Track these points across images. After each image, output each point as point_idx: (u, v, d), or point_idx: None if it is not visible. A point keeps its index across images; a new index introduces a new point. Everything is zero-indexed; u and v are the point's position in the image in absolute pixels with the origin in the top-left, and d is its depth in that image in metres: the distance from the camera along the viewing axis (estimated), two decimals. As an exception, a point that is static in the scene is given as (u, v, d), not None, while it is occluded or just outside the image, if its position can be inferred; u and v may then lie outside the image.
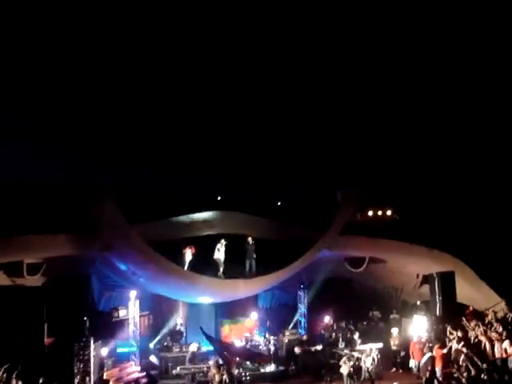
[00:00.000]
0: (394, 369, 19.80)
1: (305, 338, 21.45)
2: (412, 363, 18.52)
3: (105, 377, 17.31)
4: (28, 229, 16.28)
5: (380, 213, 25.21)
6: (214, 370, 16.11)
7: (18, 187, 18.92)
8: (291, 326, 22.46)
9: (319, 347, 20.66)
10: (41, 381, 14.02)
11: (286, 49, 31.38)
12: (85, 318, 16.63)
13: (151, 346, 20.20)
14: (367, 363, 17.73)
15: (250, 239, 20.36)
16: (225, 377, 15.74)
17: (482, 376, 14.36)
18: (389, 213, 25.35)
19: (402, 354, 19.89)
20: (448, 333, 18.03)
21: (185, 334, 20.98)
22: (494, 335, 17.25)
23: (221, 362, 16.67)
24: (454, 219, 23.22)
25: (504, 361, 16.46)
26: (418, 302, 22.02)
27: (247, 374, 18.47)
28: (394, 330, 20.56)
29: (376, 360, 18.48)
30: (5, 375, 13.45)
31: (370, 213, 24.97)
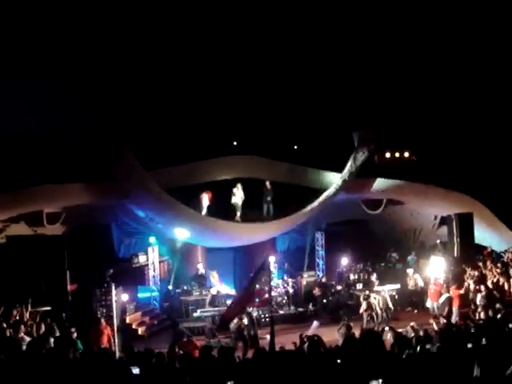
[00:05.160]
0: (410, 308, 20.09)
1: (324, 279, 21.68)
2: (429, 304, 18.69)
3: (127, 321, 17.83)
4: (47, 179, 16.46)
5: (397, 154, 24.99)
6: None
7: (37, 138, 19.02)
8: (306, 268, 22.56)
9: (339, 287, 20.93)
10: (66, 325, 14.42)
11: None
12: (109, 269, 16.97)
13: (170, 287, 20.54)
14: (384, 304, 17.93)
15: (267, 183, 20.36)
16: (244, 320, 15.99)
17: (498, 315, 14.50)
18: (406, 154, 25.11)
19: (418, 294, 20.17)
20: (467, 274, 18.11)
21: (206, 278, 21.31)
22: (512, 274, 17.36)
23: None
24: (472, 160, 22.93)
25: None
26: (438, 241, 21.98)
27: (266, 315, 18.84)
28: (410, 271, 20.71)
29: (393, 301, 18.73)
30: (31, 321, 13.84)
31: (388, 155, 24.75)
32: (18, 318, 13.43)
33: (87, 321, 14.91)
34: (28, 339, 11.08)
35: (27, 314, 13.79)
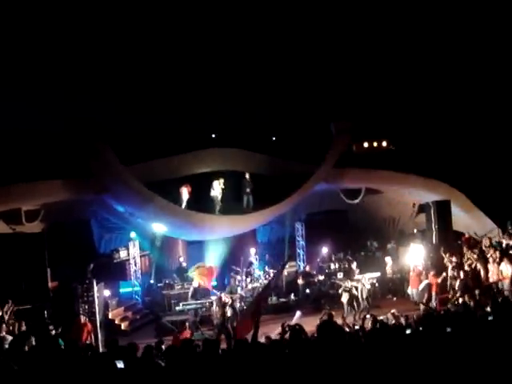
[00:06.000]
0: (390, 295, 20.38)
1: (308, 269, 21.82)
2: (409, 290, 18.96)
3: (110, 316, 17.81)
4: (24, 176, 16.30)
5: (375, 144, 25.19)
6: (216, 308, 16.42)
7: (13, 135, 18.81)
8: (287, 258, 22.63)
9: (321, 277, 21.11)
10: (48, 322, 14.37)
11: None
12: (90, 264, 16.91)
13: (152, 281, 20.60)
14: (365, 292, 18.14)
15: (247, 175, 20.44)
16: (228, 313, 16.07)
17: (476, 300, 14.78)
18: (384, 144, 25.32)
19: (398, 281, 20.49)
20: (445, 260, 18.40)
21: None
22: (490, 258, 17.65)
23: (224, 299, 16.92)
24: (448, 148, 23.23)
25: (497, 284, 16.95)
26: (415, 230, 22.31)
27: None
28: (388, 259, 20.98)
29: (374, 289, 18.97)
30: (12, 319, 13.76)
31: (366, 144, 24.95)
32: (-2, 316, 13.34)
33: (69, 318, 14.88)
34: (10, 338, 11.04)
35: (8, 313, 13.70)
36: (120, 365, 6.10)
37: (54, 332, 12.66)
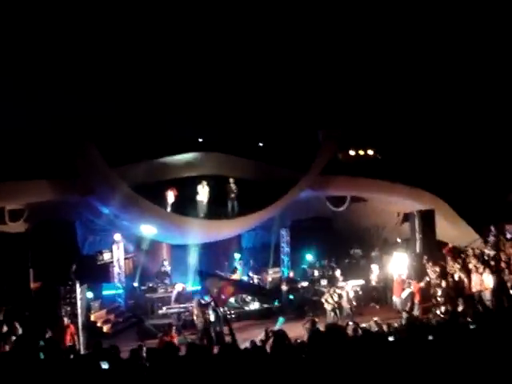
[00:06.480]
0: (373, 304, 20.47)
1: (291, 275, 21.84)
2: (394, 299, 19.07)
3: (92, 318, 17.67)
4: (9, 175, 16.16)
5: (362, 152, 25.31)
6: (196, 311, 16.38)
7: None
8: (272, 264, 22.68)
9: (305, 284, 21.14)
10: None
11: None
12: (73, 265, 16.79)
13: (135, 284, 20.49)
14: (348, 299, 18.20)
15: (231, 181, 20.43)
16: (209, 316, 16.05)
17: (458, 309, 14.93)
18: (370, 152, 25.44)
19: (381, 289, 20.59)
20: (428, 269, 18.57)
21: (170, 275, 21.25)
22: (472, 269, 17.85)
23: (203, 302, 16.85)
24: (434, 158, 23.41)
25: (479, 294, 17.15)
26: (399, 240, 22.45)
27: (232, 312, 18.96)
28: (374, 267, 21.08)
29: (357, 296, 19.05)
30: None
31: (352, 152, 25.06)
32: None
33: (51, 319, 14.75)
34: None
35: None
36: (105, 366, 6.09)
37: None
